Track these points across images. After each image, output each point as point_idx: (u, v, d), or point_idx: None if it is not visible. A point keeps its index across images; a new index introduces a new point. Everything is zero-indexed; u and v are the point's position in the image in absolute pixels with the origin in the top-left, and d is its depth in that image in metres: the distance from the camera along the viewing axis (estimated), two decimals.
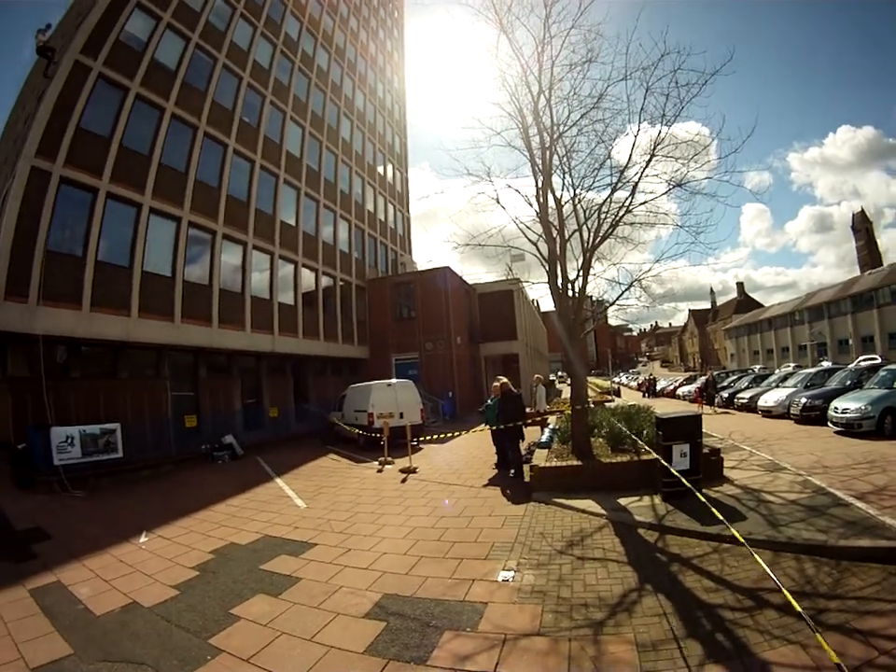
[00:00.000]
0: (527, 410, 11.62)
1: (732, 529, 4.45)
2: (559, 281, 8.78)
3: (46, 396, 12.35)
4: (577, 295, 8.81)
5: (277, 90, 22.07)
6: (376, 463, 12.33)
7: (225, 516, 8.32)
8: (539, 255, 9.00)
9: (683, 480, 5.77)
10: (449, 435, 13.34)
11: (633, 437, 8.51)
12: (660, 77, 7.91)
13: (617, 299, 9.32)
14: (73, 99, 13.72)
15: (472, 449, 13.59)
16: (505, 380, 10.16)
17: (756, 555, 3.94)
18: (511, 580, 4.76)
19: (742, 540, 4.23)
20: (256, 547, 6.54)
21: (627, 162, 8.54)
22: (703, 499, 5.24)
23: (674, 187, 8.50)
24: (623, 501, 6.83)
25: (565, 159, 8.90)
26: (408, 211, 37.87)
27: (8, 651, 4.03)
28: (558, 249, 8.77)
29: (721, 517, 4.63)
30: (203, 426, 16.63)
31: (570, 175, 8.94)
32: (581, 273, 8.77)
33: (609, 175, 9.96)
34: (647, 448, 7.75)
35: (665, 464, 6.45)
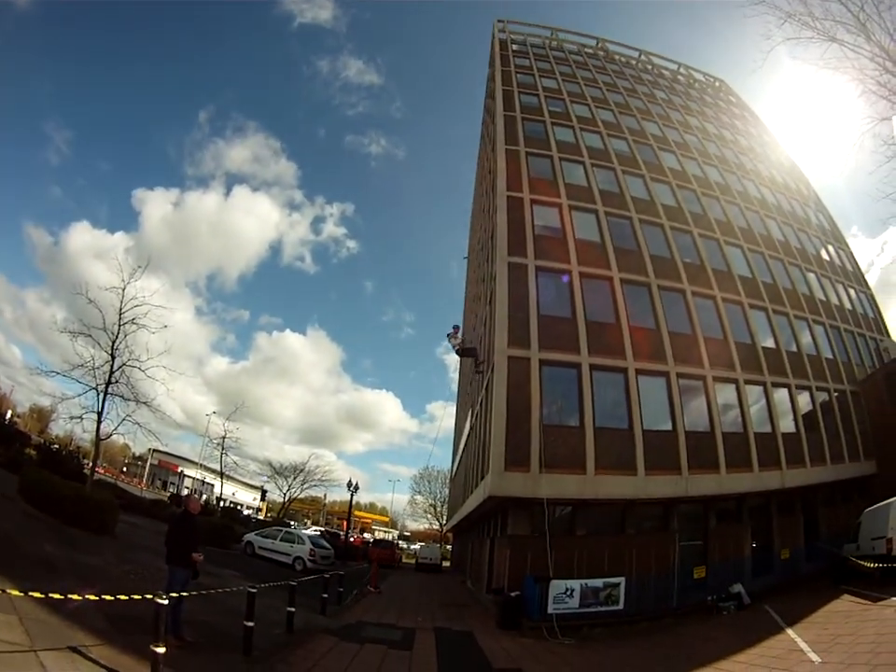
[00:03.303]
0: None
1: None
2: None
3: (549, 552, 13.26)
4: None
5: (698, 221, 22.21)
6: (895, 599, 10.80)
7: None
8: None
9: None
10: None
11: None
12: None
13: None
14: (522, 297, 16.45)
15: None
16: None
17: None
18: None
19: None
20: None
21: None
22: None
23: None
24: None
25: None
26: (868, 288, 31.41)
27: None
28: None
29: None
30: (711, 576, 15.71)
31: None
32: None
33: None
34: None
35: None
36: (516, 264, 17.20)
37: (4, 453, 21.19)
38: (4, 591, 4.90)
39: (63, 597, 4.99)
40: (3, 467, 18.80)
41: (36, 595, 4.96)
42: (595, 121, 24.93)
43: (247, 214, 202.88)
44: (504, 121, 22.65)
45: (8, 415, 46.99)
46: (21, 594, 4.99)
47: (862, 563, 13.50)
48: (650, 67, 35.94)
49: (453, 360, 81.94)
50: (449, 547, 52.18)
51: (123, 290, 16.85)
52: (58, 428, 52.28)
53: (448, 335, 18.77)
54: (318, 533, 33.97)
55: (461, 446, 30.42)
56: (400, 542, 56.75)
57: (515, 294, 16.57)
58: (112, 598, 5.36)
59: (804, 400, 20.77)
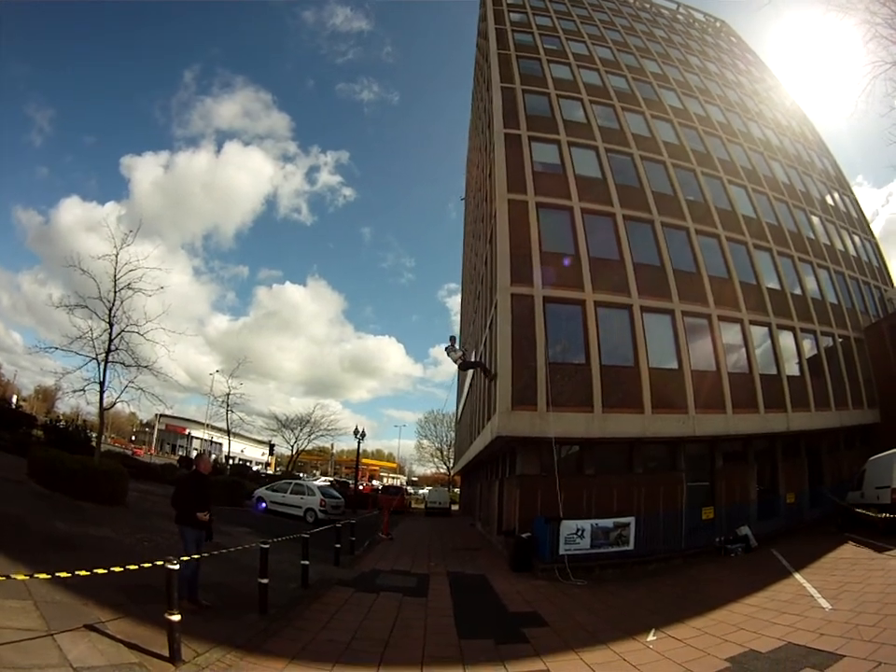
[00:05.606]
0: None
1: None
2: None
3: (558, 491, 13.08)
4: None
5: (701, 159, 21.56)
6: None
7: (742, 617, 7.59)
8: None
9: None
10: None
11: None
12: None
13: None
14: (524, 233, 15.97)
15: None
16: None
17: None
18: None
19: None
20: (777, 657, 5.85)
21: None
22: None
23: None
24: None
25: None
26: (872, 236, 30.90)
27: None
28: None
29: None
30: (719, 517, 15.63)
31: None
32: None
33: None
34: None
35: None
36: (516, 201, 16.63)
37: (10, 437, 20.90)
38: (8, 577, 4.53)
39: (70, 574, 4.75)
40: (11, 451, 18.65)
41: (42, 576, 4.72)
42: (593, 58, 23.96)
43: (240, 169, 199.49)
44: (498, 60, 21.72)
45: (14, 400, 46.68)
46: (27, 576, 4.76)
47: (868, 513, 13.50)
48: (647, 6, 34.64)
49: (455, 303, 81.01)
50: (457, 490, 52.30)
51: (116, 256, 16.32)
52: (64, 406, 52.43)
53: (446, 349, 17.32)
54: (328, 483, 33.92)
55: (466, 388, 30.01)
56: (409, 488, 56.68)
57: (516, 231, 16.06)
58: (121, 569, 5.11)
59: (808, 345, 20.51)
